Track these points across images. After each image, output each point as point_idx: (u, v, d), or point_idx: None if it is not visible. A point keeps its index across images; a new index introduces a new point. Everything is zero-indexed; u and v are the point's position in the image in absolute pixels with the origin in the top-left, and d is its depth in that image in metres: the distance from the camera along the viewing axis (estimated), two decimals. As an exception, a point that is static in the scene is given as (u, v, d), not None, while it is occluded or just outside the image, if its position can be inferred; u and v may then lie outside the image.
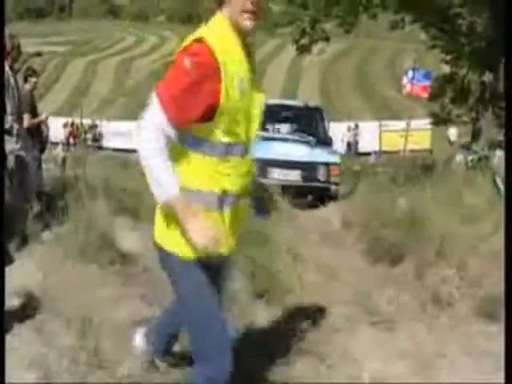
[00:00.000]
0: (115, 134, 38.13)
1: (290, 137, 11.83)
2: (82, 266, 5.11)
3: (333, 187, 10.77)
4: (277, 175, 10.50)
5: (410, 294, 5.02)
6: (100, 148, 36.81)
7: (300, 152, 10.96)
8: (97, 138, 38.27)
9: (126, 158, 26.46)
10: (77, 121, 35.83)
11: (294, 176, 10.68)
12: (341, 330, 4.45)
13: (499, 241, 5.86)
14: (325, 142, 12.03)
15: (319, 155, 11.03)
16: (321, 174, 10.75)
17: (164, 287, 5.02)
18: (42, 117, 9.28)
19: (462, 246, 5.40)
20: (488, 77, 12.32)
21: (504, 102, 15.66)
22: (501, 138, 15.67)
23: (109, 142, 38.30)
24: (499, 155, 16.96)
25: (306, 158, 10.81)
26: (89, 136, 36.28)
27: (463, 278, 5.10)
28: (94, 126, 38.28)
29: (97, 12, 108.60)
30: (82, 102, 36.67)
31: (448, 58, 14.87)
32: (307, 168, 10.75)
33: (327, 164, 10.87)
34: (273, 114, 11.90)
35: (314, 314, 4.64)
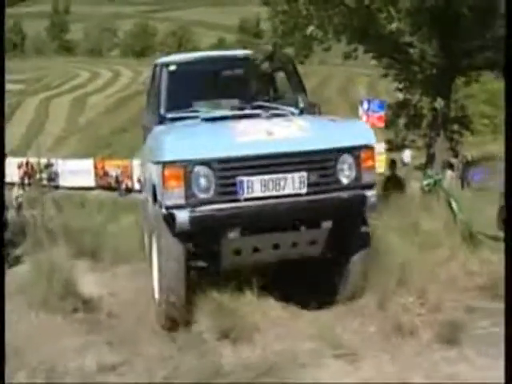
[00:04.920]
0: (71, 172, 37.94)
1: (255, 111, 5.98)
2: (45, 316, 5.08)
3: (369, 195, 5.31)
4: (260, 191, 5.01)
5: (373, 324, 5.08)
6: (56, 187, 36.51)
7: (296, 133, 5.29)
8: (52, 178, 37.90)
9: (83, 197, 26.32)
10: (31, 160, 35.46)
11: (293, 185, 5.07)
12: (307, 364, 4.48)
13: (456, 266, 6.03)
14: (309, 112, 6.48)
15: (333, 132, 5.44)
16: (344, 171, 5.27)
17: (130, 332, 5.03)
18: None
19: (421, 273, 5.50)
20: (439, 103, 12.61)
21: (456, 126, 16.09)
22: (452, 159, 16.02)
23: (65, 181, 38.08)
24: (450, 174, 17.38)
25: (312, 145, 5.18)
26: (44, 175, 35.87)
27: (423, 305, 5.18)
28: (49, 165, 37.87)
29: (49, 49, 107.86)
30: (37, 141, 36.26)
31: (401, 85, 15.20)
32: (317, 163, 5.18)
33: (353, 150, 5.30)
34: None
35: (280, 351, 4.67)
